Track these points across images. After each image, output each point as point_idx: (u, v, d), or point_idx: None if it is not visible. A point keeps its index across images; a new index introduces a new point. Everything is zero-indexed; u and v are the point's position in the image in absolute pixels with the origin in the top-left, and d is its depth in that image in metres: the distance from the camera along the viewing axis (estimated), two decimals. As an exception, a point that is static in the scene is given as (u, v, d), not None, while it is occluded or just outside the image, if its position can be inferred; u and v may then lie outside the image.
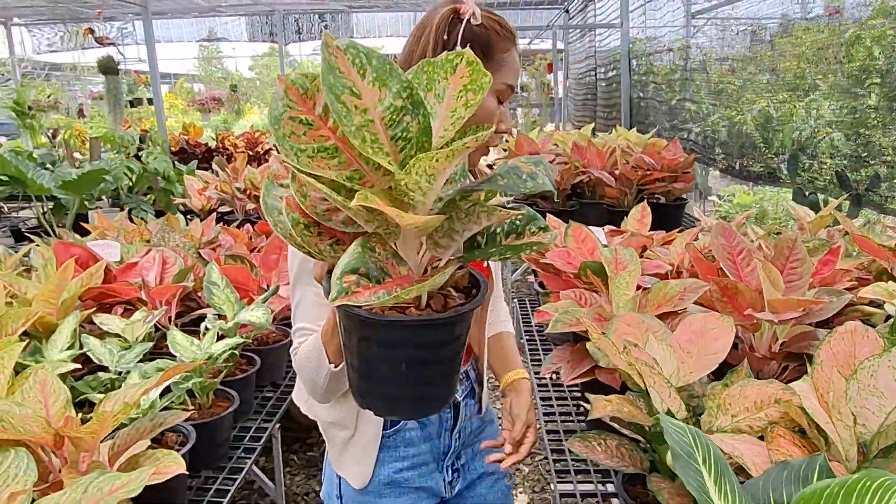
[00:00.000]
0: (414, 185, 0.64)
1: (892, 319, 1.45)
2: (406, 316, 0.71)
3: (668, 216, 3.15)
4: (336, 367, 0.92)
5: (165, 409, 1.25)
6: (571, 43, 7.96)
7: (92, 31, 4.84)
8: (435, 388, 0.77)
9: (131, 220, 2.64)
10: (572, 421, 1.63)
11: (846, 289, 1.62)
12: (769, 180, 3.74)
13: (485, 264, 1.17)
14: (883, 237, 2.05)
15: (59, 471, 0.96)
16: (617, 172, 3.22)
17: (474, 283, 0.81)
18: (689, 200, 3.60)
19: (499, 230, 0.79)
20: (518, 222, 0.78)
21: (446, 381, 0.78)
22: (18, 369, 1.20)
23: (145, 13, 5.28)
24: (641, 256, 1.94)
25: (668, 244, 2.14)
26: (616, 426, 1.21)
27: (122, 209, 3.84)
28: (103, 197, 4.28)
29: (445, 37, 0.99)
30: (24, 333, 1.40)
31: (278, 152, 0.69)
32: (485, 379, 1.26)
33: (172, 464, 0.99)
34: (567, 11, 8.16)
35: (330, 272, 0.71)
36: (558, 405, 1.72)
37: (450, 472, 1.19)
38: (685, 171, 3.30)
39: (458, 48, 0.91)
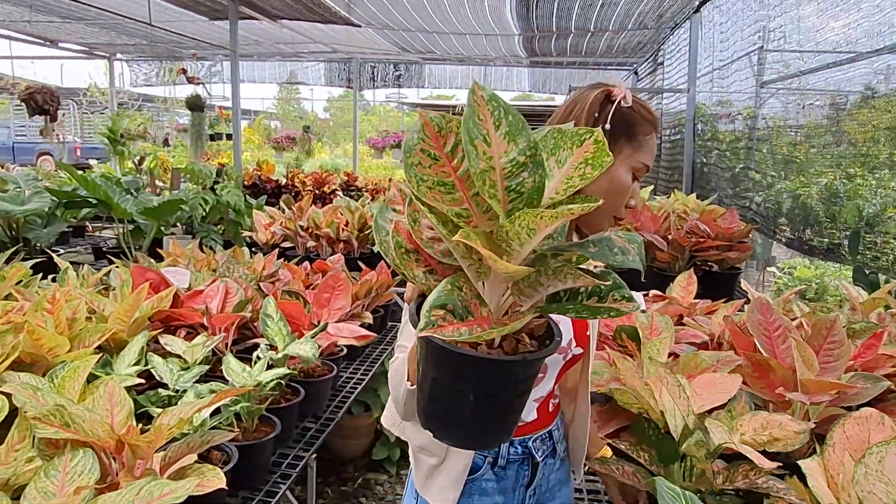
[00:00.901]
0: (514, 234, 0.70)
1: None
2: (476, 351, 0.76)
3: (720, 285, 3.14)
4: (412, 385, 0.97)
5: (213, 428, 1.36)
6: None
7: (185, 71, 5.25)
8: (490, 424, 0.80)
9: (201, 249, 2.84)
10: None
11: (887, 374, 1.61)
12: (833, 255, 3.67)
13: (587, 331, 1.24)
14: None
15: (117, 473, 1.08)
16: (670, 237, 3.24)
17: (549, 333, 0.84)
18: (743, 270, 3.56)
19: (582, 290, 0.81)
20: (603, 287, 0.80)
21: (502, 420, 0.81)
22: (90, 379, 1.34)
23: (233, 56, 5.70)
24: (679, 324, 1.97)
25: (711, 314, 2.14)
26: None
27: (194, 237, 4.11)
28: (178, 224, 4.58)
29: (597, 115, 1.10)
30: (98, 347, 1.55)
31: (389, 181, 0.80)
32: (583, 444, 1.30)
33: (215, 479, 1.09)
34: (636, 73, 8.28)
35: (420, 296, 0.79)
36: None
37: None
38: (741, 241, 3.28)
39: (608, 126, 1.05)
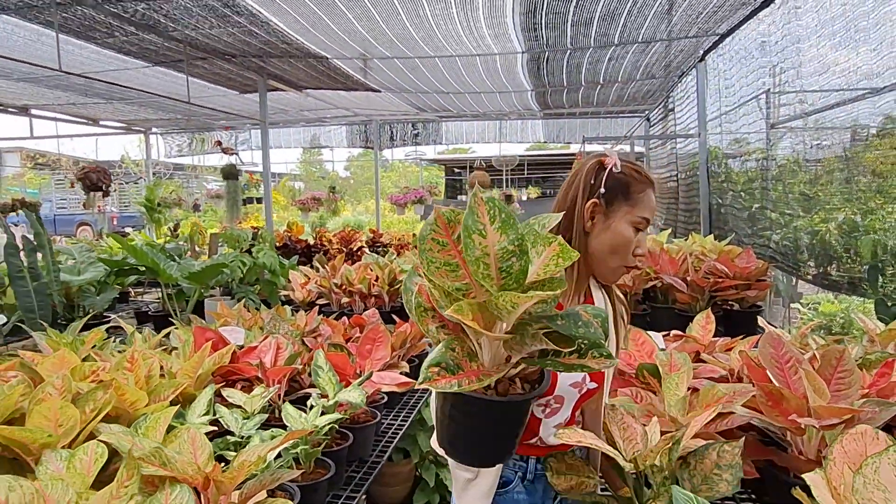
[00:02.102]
0: (502, 306, 0.90)
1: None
2: (474, 393, 0.97)
3: (741, 323, 3.23)
4: None
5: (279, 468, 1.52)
6: (653, 149, 8.26)
7: (220, 143, 5.60)
8: (487, 449, 1.03)
9: (247, 309, 3.04)
10: None
11: (903, 399, 1.71)
12: (856, 289, 3.74)
13: (607, 375, 1.41)
14: (947, 352, 2.09)
15: (205, 508, 1.23)
16: (689, 279, 3.36)
17: (540, 379, 1.06)
18: (764, 308, 3.65)
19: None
20: (582, 346, 0.99)
21: (497, 446, 1.03)
22: (168, 429, 1.51)
23: (263, 127, 6.07)
24: (697, 360, 2.09)
25: (729, 350, 2.26)
26: None
27: (233, 297, 4.33)
28: (216, 286, 4.82)
29: (593, 181, 1.32)
30: (171, 400, 1.72)
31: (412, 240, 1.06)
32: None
33: (288, 511, 1.24)
34: (648, 120, 8.53)
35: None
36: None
37: None
38: (759, 279, 3.39)
39: (602, 190, 1.28)
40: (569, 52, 5.08)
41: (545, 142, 9.97)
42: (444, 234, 0.94)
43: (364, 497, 1.94)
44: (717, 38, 4.71)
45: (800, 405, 1.60)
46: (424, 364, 0.95)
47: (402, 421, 2.48)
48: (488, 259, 0.91)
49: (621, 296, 1.48)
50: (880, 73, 3.03)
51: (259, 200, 9.90)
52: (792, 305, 5.28)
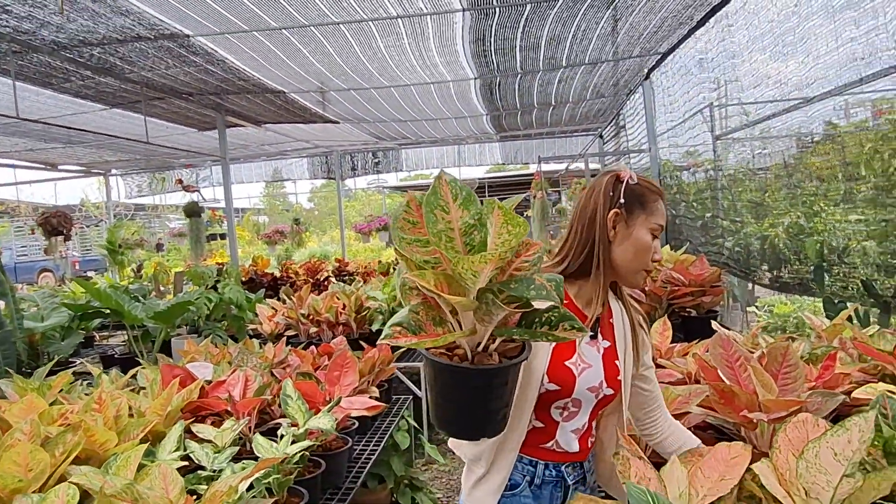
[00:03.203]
0: (464, 273, 0.97)
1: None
2: (449, 362, 1.04)
3: (698, 328, 3.34)
4: None
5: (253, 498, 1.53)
6: (608, 166, 8.51)
7: (181, 181, 5.59)
8: (470, 421, 1.07)
9: (214, 345, 3.04)
10: None
11: (846, 390, 1.82)
12: (807, 290, 3.90)
13: (618, 376, 1.44)
14: (882, 341, 2.22)
15: (179, 540, 1.25)
16: (647, 289, 3.48)
17: (520, 355, 1.10)
18: (722, 313, 3.78)
19: (537, 319, 1.07)
20: (553, 318, 1.06)
21: (478, 418, 1.07)
22: (139, 467, 1.52)
23: (224, 163, 6.07)
24: (658, 365, 2.17)
25: (686, 355, 2.36)
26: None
27: (199, 335, 4.29)
28: (183, 325, 4.77)
29: (611, 194, 1.41)
30: (140, 439, 1.73)
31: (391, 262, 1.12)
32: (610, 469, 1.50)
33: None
34: (601, 137, 8.78)
35: None
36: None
37: None
38: (713, 285, 3.52)
39: (622, 201, 1.38)
40: (519, 75, 5.24)
41: (504, 163, 10.16)
42: (416, 215, 1.03)
43: (340, 523, 1.96)
44: (659, 56, 4.92)
45: (750, 401, 1.68)
46: (388, 324, 1.02)
47: (374, 445, 2.51)
48: (452, 233, 1.00)
49: (637, 305, 1.57)
50: (809, 83, 3.23)
51: (223, 237, 9.84)
52: (749, 309, 5.45)
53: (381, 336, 1.00)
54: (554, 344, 1.35)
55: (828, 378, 1.89)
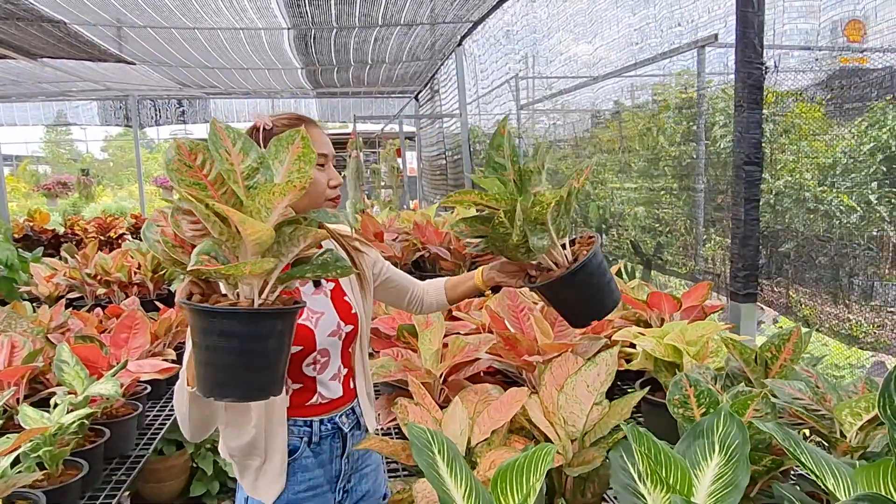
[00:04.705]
0: (257, 211, 0.95)
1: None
2: (224, 307, 0.97)
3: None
4: (191, 388, 1.11)
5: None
6: (424, 128, 8.68)
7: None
8: (253, 376, 1.00)
9: (-28, 310, 2.64)
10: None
11: (608, 334, 2.08)
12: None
13: (352, 310, 1.43)
14: (640, 292, 2.58)
15: (-83, 526, 1.10)
16: (451, 247, 3.65)
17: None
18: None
19: (311, 261, 1.08)
20: (329, 259, 1.09)
21: (263, 372, 1.01)
22: None
23: (-13, 100, 5.20)
24: (451, 319, 2.32)
25: (482, 308, 2.54)
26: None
27: (-44, 300, 3.70)
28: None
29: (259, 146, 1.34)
30: None
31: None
32: (372, 415, 1.51)
33: (25, 513, 1.16)
34: (417, 99, 8.92)
35: (189, 294, 1.00)
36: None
37: (341, 493, 1.42)
38: (511, 245, 3.80)
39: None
40: (335, 30, 5.11)
41: (322, 121, 9.93)
42: (188, 159, 0.97)
43: (127, 494, 1.85)
44: (470, 24, 5.09)
45: (531, 346, 1.87)
46: (194, 252, 0.96)
47: (170, 411, 2.38)
48: (236, 177, 0.98)
49: (347, 231, 1.51)
50: (596, 63, 3.56)
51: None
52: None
53: (190, 264, 0.94)
54: None
55: (594, 325, 2.16)
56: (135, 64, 6.31)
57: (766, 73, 2.36)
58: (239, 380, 1.00)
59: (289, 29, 5.02)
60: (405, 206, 7.01)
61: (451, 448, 1.06)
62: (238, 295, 1.02)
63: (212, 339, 0.98)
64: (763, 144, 2.36)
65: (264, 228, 0.95)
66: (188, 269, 0.95)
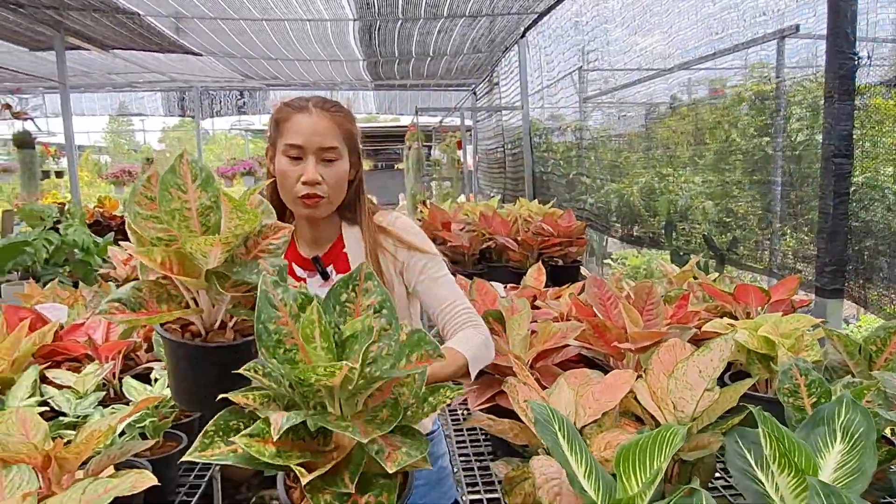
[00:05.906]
0: (195, 253, 0.96)
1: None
2: (182, 339, 1.05)
3: (565, 276, 3.56)
4: None
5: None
6: (481, 121, 8.64)
7: (9, 107, 4.89)
8: (197, 396, 1.10)
9: (62, 289, 2.74)
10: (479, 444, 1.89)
11: (696, 325, 2.03)
12: (656, 244, 4.28)
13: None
14: (722, 285, 2.50)
15: (48, 488, 1.14)
16: (519, 238, 3.63)
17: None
18: (583, 262, 4.05)
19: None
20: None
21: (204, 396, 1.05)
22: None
23: (63, 89, 5.40)
24: (533, 307, 2.29)
25: (558, 298, 2.50)
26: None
27: (38, 281, 3.85)
28: (14, 270, 4.25)
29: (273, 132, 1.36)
30: (-16, 386, 1.53)
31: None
32: None
33: (147, 479, 1.18)
34: (475, 93, 8.89)
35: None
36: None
37: None
38: (579, 237, 3.75)
39: (269, 134, 1.35)
40: (400, 21, 5.13)
41: (377, 113, 10.00)
42: (154, 191, 0.99)
43: (219, 468, 1.88)
44: (536, 15, 5.03)
45: (620, 334, 1.83)
46: (105, 300, 1.00)
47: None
48: (189, 212, 0.98)
49: (387, 226, 1.46)
50: (671, 54, 3.47)
51: (59, 175, 8.81)
52: (604, 261, 5.89)
53: (97, 311, 1.00)
54: None
55: (681, 315, 2.10)
56: (201, 55, 6.46)
57: (859, 64, 2.26)
58: (197, 398, 1.14)
59: (355, 20, 5.06)
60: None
61: (570, 427, 1.04)
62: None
63: (169, 357, 1.13)
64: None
65: (191, 281, 1.00)
66: (94, 314, 1.01)
